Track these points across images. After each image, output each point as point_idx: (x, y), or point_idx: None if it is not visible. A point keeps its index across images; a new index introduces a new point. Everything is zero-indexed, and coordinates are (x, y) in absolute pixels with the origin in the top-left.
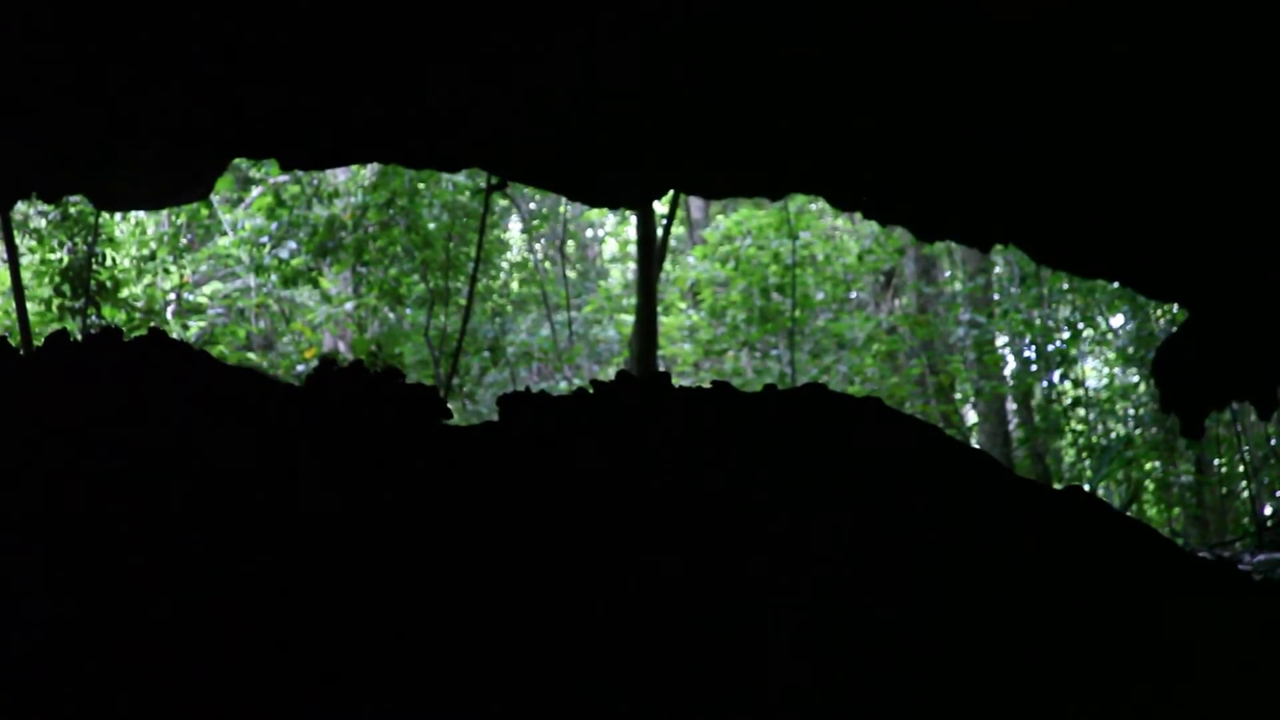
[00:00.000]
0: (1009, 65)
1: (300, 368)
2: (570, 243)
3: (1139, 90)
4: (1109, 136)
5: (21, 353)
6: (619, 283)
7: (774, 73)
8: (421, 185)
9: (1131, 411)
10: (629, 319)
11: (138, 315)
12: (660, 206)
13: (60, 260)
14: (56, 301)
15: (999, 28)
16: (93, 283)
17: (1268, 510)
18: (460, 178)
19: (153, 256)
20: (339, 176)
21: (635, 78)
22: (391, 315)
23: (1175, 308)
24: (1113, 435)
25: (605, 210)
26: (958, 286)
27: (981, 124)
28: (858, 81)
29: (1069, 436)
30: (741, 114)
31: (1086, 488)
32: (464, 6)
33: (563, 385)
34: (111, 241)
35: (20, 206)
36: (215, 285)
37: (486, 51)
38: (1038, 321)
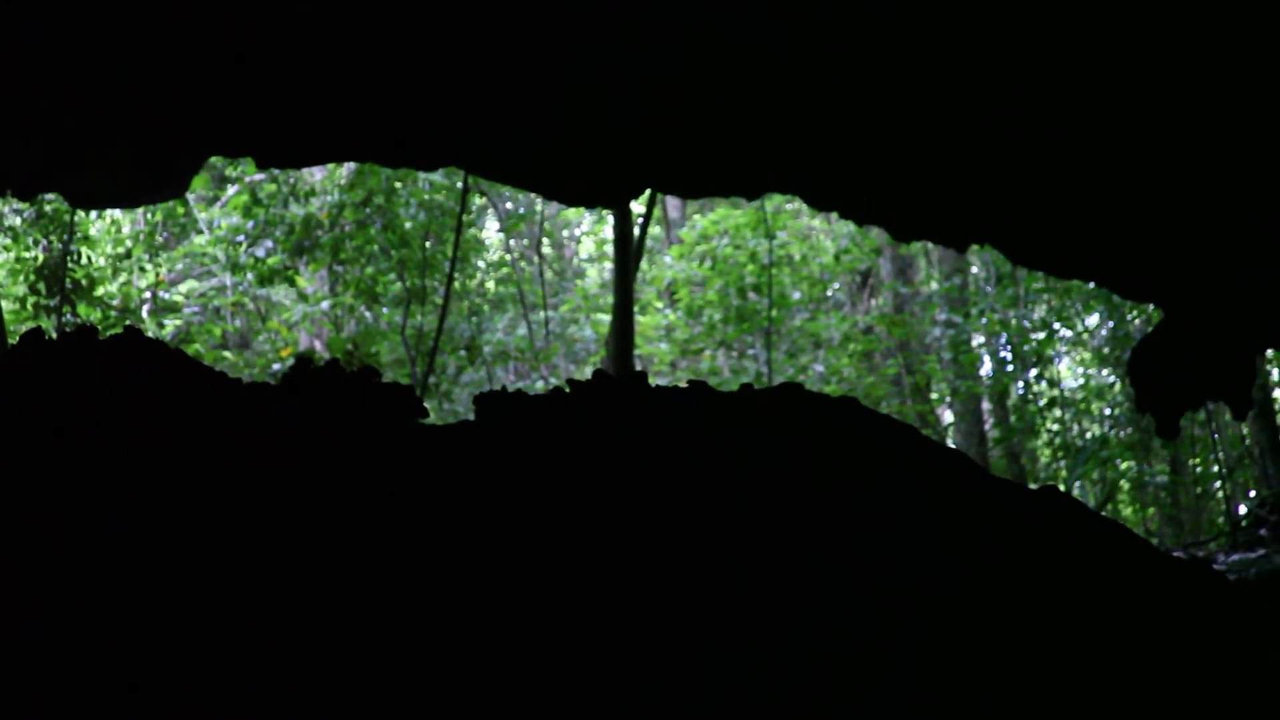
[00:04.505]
0: (986, 68)
1: (276, 366)
2: (547, 242)
3: (1116, 93)
4: (1086, 138)
5: None
6: (596, 282)
7: (759, 77)
8: (398, 184)
9: (1107, 411)
10: (606, 318)
11: (113, 313)
12: (637, 206)
13: (35, 258)
14: (31, 300)
15: (979, 31)
16: (68, 281)
17: (1242, 510)
18: (437, 177)
19: (128, 255)
20: (315, 175)
21: (619, 82)
22: (368, 314)
23: (1151, 308)
24: (1088, 435)
25: (582, 210)
26: (934, 286)
27: (958, 126)
28: (837, 84)
29: (1044, 436)
30: (724, 116)
31: (1062, 487)
32: (444, 11)
33: (539, 384)
34: (87, 239)
35: None
36: (191, 284)
37: (467, 54)
38: (1014, 321)
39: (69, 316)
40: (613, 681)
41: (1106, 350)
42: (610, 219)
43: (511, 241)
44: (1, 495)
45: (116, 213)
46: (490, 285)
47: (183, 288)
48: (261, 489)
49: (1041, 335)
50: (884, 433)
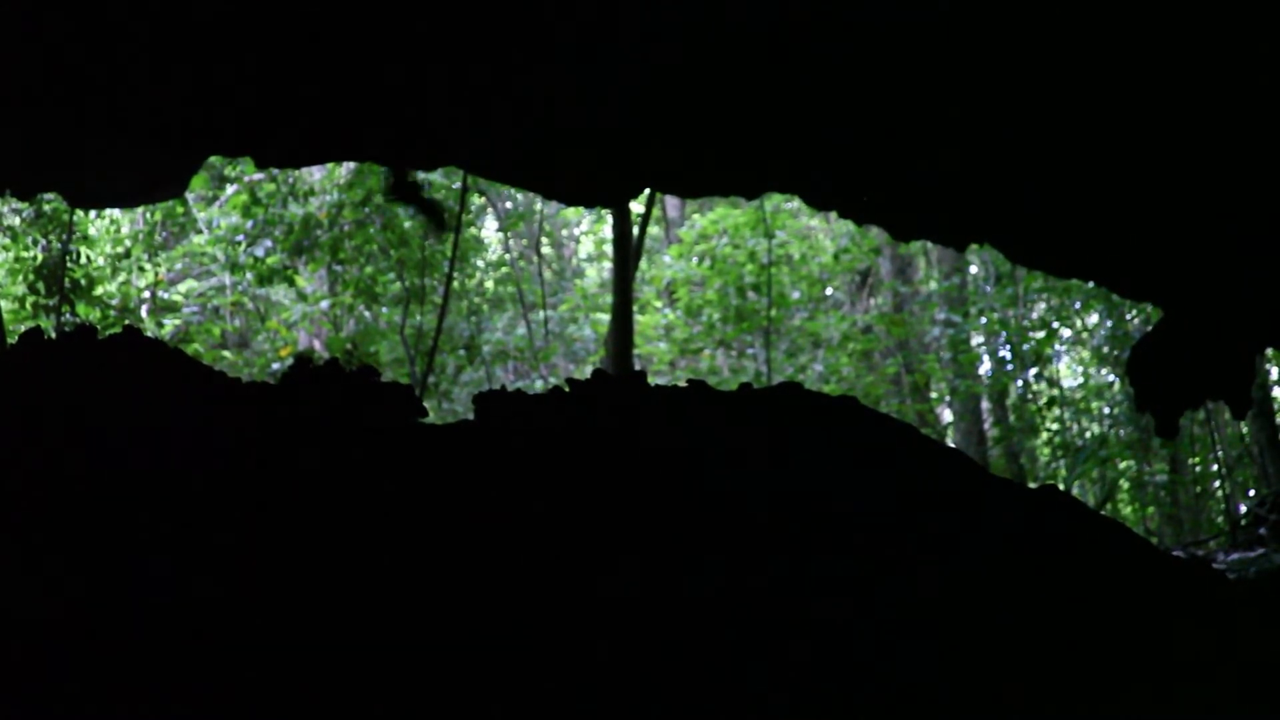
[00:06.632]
0: (988, 69)
1: (275, 366)
2: (546, 241)
3: (1116, 92)
4: (1087, 138)
5: None
6: (595, 281)
7: (759, 76)
8: None
9: (1106, 410)
10: (605, 318)
11: (112, 313)
12: (637, 205)
13: (35, 258)
14: (31, 299)
15: (980, 29)
16: (67, 280)
17: (1242, 509)
18: (437, 176)
19: (127, 254)
20: (314, 174)
21: (618, 80)
22: (367, 314)
23: (1150, 308)
24: (1088, 434)
25: (581, 209)
26: (933, 286)
27: (958, 124)
28: (839, 83)
29: (1044, 435)
30: (725, 116)
31: (1062, 486)
32: (445, 13)
33: (539, 384)
34: (86, 239)
35: None
36: (190, 283)
37: (466, 53)
38: (1013, 321)
39: (68, 316)
40: (609, 678)
41: (1106, 349)
42: (609, 219)
43: (510, 241)
44: (0, 494)
45: (116, 212)
46: (489, 285)
47: (182, 287)
48: (261, 488)
49: (1041, 334)
50: (883, 432)
